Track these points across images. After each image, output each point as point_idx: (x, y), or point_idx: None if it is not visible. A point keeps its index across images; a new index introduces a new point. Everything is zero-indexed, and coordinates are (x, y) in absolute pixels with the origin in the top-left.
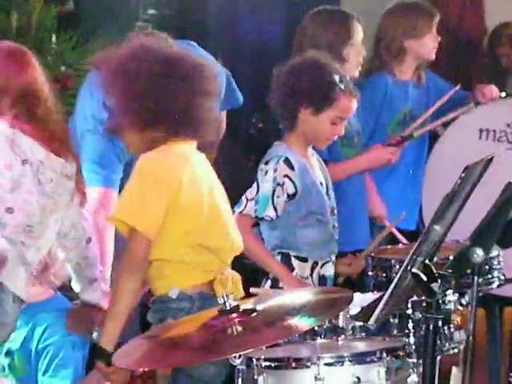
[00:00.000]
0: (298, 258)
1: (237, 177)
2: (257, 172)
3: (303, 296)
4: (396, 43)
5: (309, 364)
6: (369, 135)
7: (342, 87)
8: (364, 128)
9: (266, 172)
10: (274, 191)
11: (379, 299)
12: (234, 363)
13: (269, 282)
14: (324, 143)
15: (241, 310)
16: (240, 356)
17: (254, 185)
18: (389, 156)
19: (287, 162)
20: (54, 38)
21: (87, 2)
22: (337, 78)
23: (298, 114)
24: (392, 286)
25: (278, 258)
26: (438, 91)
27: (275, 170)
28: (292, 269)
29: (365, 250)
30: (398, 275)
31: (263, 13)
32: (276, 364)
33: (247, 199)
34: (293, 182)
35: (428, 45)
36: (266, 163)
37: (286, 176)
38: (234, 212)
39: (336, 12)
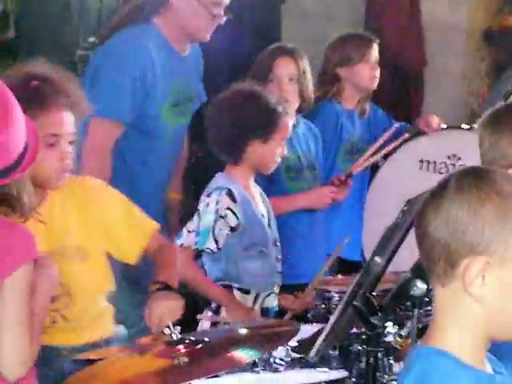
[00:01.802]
0: (240, 289)
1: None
2: (195, 201)
3: (249, 328)
4: (330, 71)
5: None
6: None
7: (281, 110)
8: (318, 158)
9: (208, 204)
10: (215, 223)
11: (319, 332)
12: None
13: (210, 312)
14: (271, 168)
15: (186, 341)
16: None
17: (196, 217)
18: (330, 197)
19: (230, 193)
20: None
21: (28, 30)
22: (274, 102)
23: (247, 147)
24: (332, 318)
25: None
26: (378, 122)
27: (217, 203)
28: None
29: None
30: (339, 308)
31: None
32: None
33: (188, 231)
34: (235, 214)
35: (360, 73)
36: (208, 195)
37: (228, 208)
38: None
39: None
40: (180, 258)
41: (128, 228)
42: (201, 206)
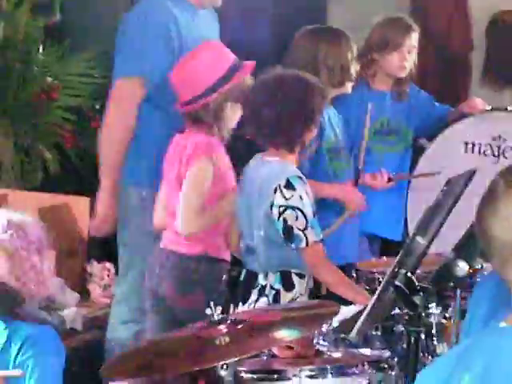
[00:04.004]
0: (297, 274)
1: None
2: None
3: (290, 309)
4: (365, 54)
5: (291, 376)
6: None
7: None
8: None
9: (301, 197)
10: (313, 214)
11: (361, 312)
12: (220, 374)
13: (265, 298)
14: None
15: (228, 321)
16: (227, 367)
17: (299, 214)
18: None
19: (304, 181)
20: (40, 50)
21: (74, 14)
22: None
23: (308, 132)
24: (374, 298)
25: (278, 275)
26: (421, 105)
27: (307, 193)
28: (293, 286)
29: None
30: (380, 288)
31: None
32: (258, 376)
33: (302, 230)
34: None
35: (392, 61)
36: (291, 187)
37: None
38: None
39: (331, 29)
40: (315, 255)
41: None
42: (292, 200)
